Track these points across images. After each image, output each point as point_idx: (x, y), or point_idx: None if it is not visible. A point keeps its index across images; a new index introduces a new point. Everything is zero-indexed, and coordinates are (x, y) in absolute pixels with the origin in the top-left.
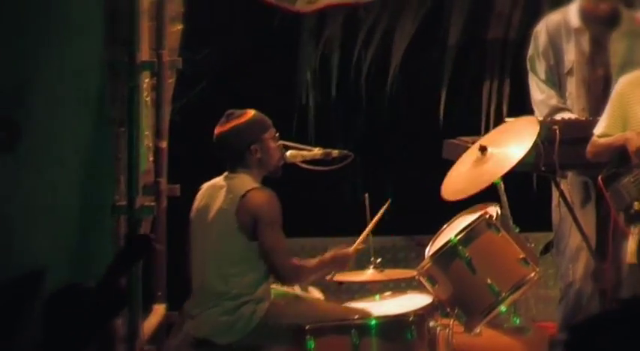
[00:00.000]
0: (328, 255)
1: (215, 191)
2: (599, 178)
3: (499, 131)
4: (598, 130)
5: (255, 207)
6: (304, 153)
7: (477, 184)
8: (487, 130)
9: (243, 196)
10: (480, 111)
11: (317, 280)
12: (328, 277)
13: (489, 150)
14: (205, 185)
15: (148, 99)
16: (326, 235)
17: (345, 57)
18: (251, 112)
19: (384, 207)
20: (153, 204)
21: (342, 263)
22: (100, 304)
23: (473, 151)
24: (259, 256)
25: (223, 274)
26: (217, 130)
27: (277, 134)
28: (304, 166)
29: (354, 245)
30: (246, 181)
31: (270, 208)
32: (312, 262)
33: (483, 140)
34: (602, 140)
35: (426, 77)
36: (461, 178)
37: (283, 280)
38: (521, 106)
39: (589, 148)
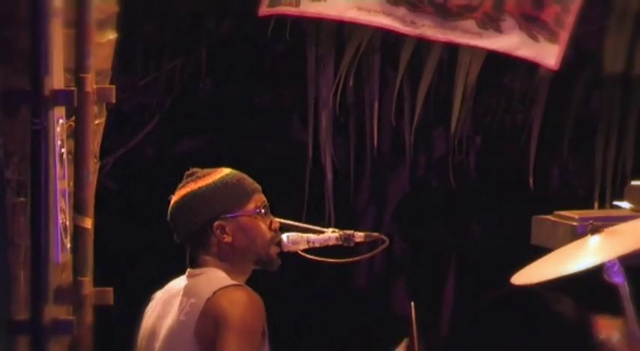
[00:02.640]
0: None
1: (172, 297)
2: None
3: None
4: None
5: (222, 309)
6: (311, 236)
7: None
8: (603, 200)
9: (209, 298)
10: (590, 172)
11: None
12: None
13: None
14: (159, 293)
15: (63, 151)
16: None
17: (385, 92)
18: (223, 171)
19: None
20: (71, 318)
21: None
22: None
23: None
24: None
25: None
26: (173, 197)
27: (267, 206)
28: (310, 257)
29: None
30: (215, 277)
31: (244, 312)
32: None
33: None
34: None
35: (505, 129)
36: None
37: None
38: None
39: None
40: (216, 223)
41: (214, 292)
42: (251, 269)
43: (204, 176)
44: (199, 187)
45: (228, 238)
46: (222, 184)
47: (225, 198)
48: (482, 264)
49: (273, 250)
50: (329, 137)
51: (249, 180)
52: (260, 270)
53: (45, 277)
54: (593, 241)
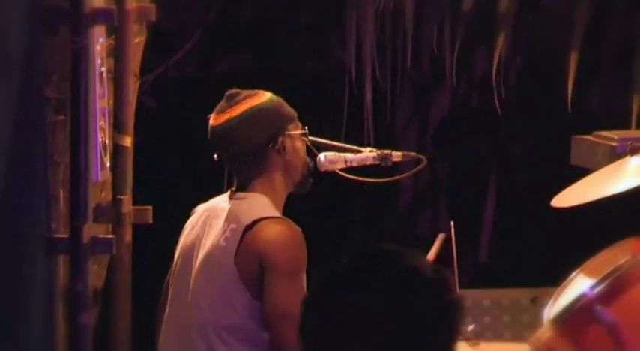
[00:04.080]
0: None
1: (213, 218)
2: None
3: None
4: None
5: (264, 247)
6: (349, 155)
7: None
8: None
9: (249, 227)
10: (629, 92)
11: None
12: None
13: None
14: (200, 208)
15: (103, 69)
16: None
17: (422, 19)
18: (266, 94)
19: (438, 241)
20: (111, 236)
21: None
22: None
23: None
24: (264, 322)
25: (214, 349)
26: (213, 120)
27: (306, 130)
28: (348, 176)
29: None
30: (257, 205)
31: (289, 251)
32: None
33: None
34: None
35: (545, 49)
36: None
37: None
38: None
39: None
40: (280, 139)
41: (254, 222)
42: (289, 192)
43: (254, 95)
44: (259, 104)
45: (288, 156)
46: (277, 103)
47: (282, 116)
48: (522, 185)
49: (307, 170)
50: (369, 56)
51: (287, 105)
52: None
53: (84, 196)
54: (633, 162)
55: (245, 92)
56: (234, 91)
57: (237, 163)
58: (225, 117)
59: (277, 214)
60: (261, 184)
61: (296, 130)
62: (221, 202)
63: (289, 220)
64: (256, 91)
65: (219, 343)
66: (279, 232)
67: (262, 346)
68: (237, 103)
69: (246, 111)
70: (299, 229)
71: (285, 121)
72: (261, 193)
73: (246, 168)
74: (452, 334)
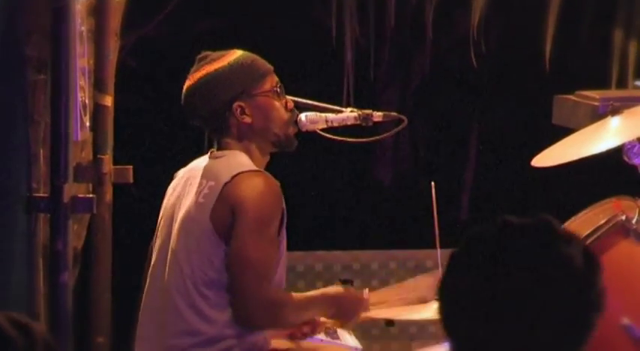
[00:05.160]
0: (330, 291)
1: (193, 178)
2: None
3: None
4: None
5: (238, 196)
6: (329, 115)
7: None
8: (622, 80)
9: (227, 182)
10: (609, 51)
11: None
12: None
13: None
14: (181, 172)
15: (83, 29)
16: (347, 248)
17: None
18: (236, 53)
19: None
20: (91, 196)
21: (350, 309)
22: None
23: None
24: None
25: (197, 308)
26: (187, 82)
27: (281, 86)
28: (329, 136)
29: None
30: (235, 160)
31: (261, 200)
32: (301, 298)
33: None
34: None
35: (526, 8)
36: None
37: (245, 319)
38: None
39: None
40: (235, 104)
41: (232, 177)
42: (269, 151)
43: (218, 58)
44: (215, 69)
45: (247, 119)
46: (238, 65)
47: (241, 78)
48: (502, 144)
49: (291, 130)
50: (350, 16)
51: (261, 60)
52: (280, 154)
53: (65, 155)
54: (614, 122)
55: (213, 55)
56: (203, 54)
57: (205, 127)
58: (188, 83)
59: (255, 168)
60: (235, 145)
61: (266, 88)
62: (201, 162)
63: (268, 173)
64: (225, 52)
65: (199, 298)
66: (255, 183)
67: None
68: (198, 69)
69: (202, 77)
70: (276, 182)
71: (247, 82)
72: (238, 150)
73: (215, 131)
74: (584, 330)
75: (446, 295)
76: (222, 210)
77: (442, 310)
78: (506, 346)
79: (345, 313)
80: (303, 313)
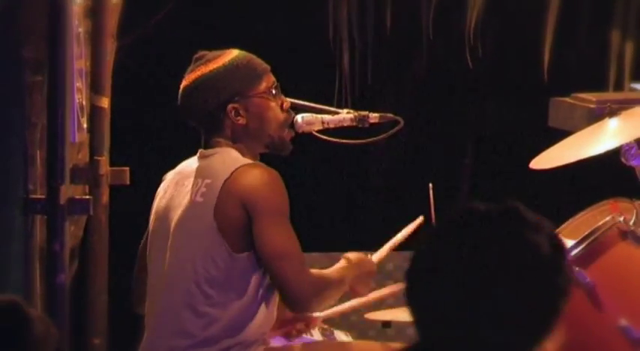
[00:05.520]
0: (352, 256)
1: (185, 178)
2: None
3: None
4: None
5: (247, 192)
6: (326, 117)
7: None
8: (620, 84)
9: (227, 178)
10: (607, 54)
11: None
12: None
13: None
14: (170, 174)
15: (80, 30)
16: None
17: None
18: (232, 53)
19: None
20: (88, 197)
21: (367, 277)
22: None
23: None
24: (248, 275)
25: (195, 307)
26: (183, 82)
27: (277, 86)
28: (325, 138)
29: (378, 254)
30: (229, 156)
31: (272, 190)
32: (334, 272)
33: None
34: None
35: (523, 10)
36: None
37: (298, 302)
38: None
39: None
40: (229, 106)
41: (232, 173)
42: (260, 153)
43: (214, 59)
44: (210, 70)
45: (242, 120)
46: (233, 66)
47: (236, 80)
48: (499, 147)
49: (287, 133)
50: (347, 18)
51: (258, 60)
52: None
53: (61, 157)
54: (611, 124)
55: (209, 55)
56: (199, 54)
57: (200, 128)
58: (184, 83)
59: (250, 160)
60: (225, 143)
61: (262, 89)
62: (191, 163)
63: (264, 164)
64: (221, 52)
65: (200, 298)
66: (258, 175)
67: (246, 298)
68: (194, 69)
69: (198, 78)
70: (276, 172)
71: (242, 84)
72: (228, 148)
73: (208, 132)
74: (551, 316)
75: (414, 282)
76: (230, 207)
77: (409, 298)
78: (475, 333)
79: (365, 275)
80: (342, 285)
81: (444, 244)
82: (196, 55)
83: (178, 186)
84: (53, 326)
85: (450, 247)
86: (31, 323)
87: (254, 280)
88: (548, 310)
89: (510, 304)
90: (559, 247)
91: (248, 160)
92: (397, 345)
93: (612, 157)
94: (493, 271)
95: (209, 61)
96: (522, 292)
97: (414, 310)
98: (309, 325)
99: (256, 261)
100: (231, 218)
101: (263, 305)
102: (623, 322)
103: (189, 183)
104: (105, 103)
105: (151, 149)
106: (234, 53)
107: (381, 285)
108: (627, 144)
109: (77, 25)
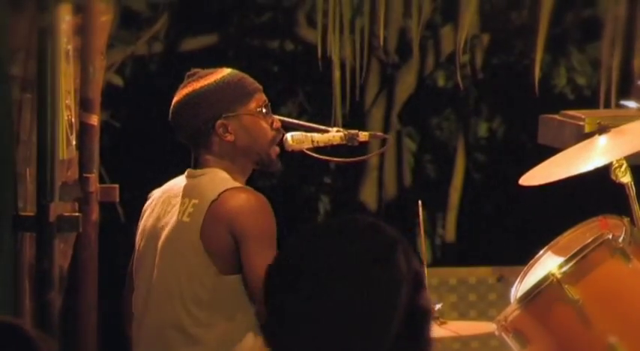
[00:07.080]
0: None
1: (173, 197)
2: None
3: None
4: None
5: (232, 217)
6: (315, 135)
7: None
8: (609, 100)
9: (215, 200)
10: (596, 71)
11: None
12: None
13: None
14: (157, 192)
15: (69, 48)
16: None
17: None
18: (224, 71)
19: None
20: (77, 215)
21: None
22: None
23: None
24: (236, 297)
25: (181, 327)
26: (174, 98)
27: (268, 105)
28: (315, 156)
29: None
30: (217, 178)
31: (258, 217)
32: None
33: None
34: None
35: (512, 28)
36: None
37: None
38: None
39: None
40: (218, 122)
41: (219, 194)
42: (250, 169)
43: (205, 76)
44: (201, 87)
45: (230, 137)
46: (224, 84)
47: (227, 97)
48: (489, 164)
49: (274, 150)
50: (336, 36)
51: (249, 79)
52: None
53: (51, 174)
54: (601, 141)
55: (202, 72)
56: (192, 71)
57: (189, 144)
58: (175, 99)
59: (238, 184)
60: (216, 163)
61: (252, 107)
62: (179, 182)
63: (252, 188)
64: (213, 70)
65: (186, 319)
66: (245, 199)
67: (234, 321)
68: (185, 85)
69: (188, 94)
70: (263, 196)
71: (232, 101)
72: (217, 167)
73: (197, 149)
74: (391, 311)
75: (268, 300)
76: (216, 229)
77: (267, 318)
78: (321, 343)
79: None
80: None
81: (287, 262)
82: (189, 73)
83: (165, 205)
84: (52, 343)
85: (292, 267)
86: (34, 343)
87: (243, 303)
88: (389, 305)
89: (346, 304)
90: (391, 245)
91: (236, 183)
92: None
93: (602, 174)
94: (330, 284)
95: (200, 77)
96: (362, 293)
97: (272, 335)
98: None
99: (246, 285)
100: (218, 241)
101: (252, 331)
102: (613, 339)
103: (176, 202)
104: (94, 120)
105: (141, 167)
106: (225, 71)
107: None
108: (617, 161)
109: (66, 42)
